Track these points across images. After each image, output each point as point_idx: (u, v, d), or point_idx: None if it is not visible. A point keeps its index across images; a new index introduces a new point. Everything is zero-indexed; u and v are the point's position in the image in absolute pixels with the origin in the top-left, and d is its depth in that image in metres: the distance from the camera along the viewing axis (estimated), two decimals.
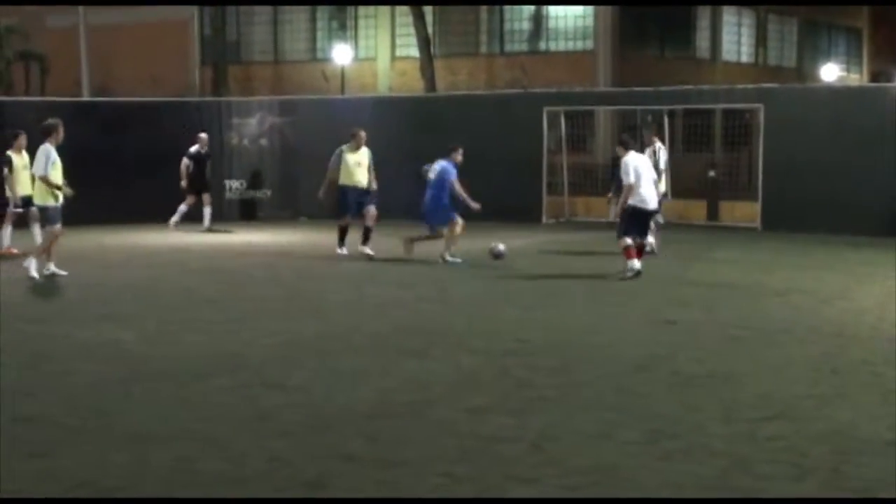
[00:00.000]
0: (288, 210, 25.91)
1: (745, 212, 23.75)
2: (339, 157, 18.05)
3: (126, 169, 24.27)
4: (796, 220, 22.17)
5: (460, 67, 36.79)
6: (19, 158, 17.24)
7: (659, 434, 7.24)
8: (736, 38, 41.74)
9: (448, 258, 16.91)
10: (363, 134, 18.18)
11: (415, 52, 35.65)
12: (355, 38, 39.18)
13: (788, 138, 22.47)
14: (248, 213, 26.02)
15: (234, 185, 26.33)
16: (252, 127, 26.53)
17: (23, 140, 17.13)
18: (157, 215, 23.13)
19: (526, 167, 24.34)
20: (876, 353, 9.98)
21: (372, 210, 17.87)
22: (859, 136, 21.74)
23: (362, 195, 17.92)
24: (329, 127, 26.02)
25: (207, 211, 23.15)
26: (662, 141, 15.12)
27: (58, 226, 15.02)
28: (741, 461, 6.67)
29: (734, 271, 16.07)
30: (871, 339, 10.73)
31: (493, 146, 24.71)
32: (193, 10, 41.07)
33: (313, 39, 40.36)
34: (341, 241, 18.16)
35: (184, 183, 22.99)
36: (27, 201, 16.68)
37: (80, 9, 35.74)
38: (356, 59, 38.12)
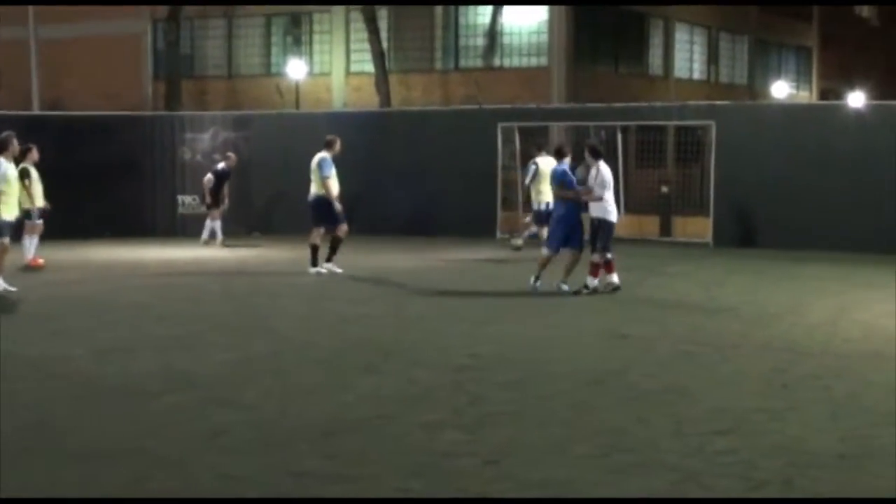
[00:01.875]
0: (241, 226, 25.78)
1: (698, 227, 23.93)
2: (331, 166, 17.20)
3: (78, 184, 24.06)
4: (748, 235, 22.41)
5: (415, 83, 36.80)
6: (34, 171, 17.97)
7: (612, 448, 7.26)
8: (688, 56, 42.17)
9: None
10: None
11: (370, 67, 35.64)
12: (310, 53, 39.10)
13: (740, 155, 22.70)
14: (200, 228, 25.89)
15: (186, 201, 26.16)
16: (205, 142, 26.41)
17: (35, 153, 17.94)
18: (110, 230, 22.94)
19: (480, 183, 24.39)
20: (826, 368, 10.08)
21: (345, 225, 17.48)
22: (809, 153, 22.01)
23: (333, 207, 17.33)
24: (283, 142, 26.07)
25: (218, 225, 23.23)
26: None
27: (6, 239, 14.90)
28: (693, 475, 6.70)
29: (687, 286, 16.18)
30: (822, 353, 10.83)
31: (447, 162, 24.80)
32: (147, 24, 40.83)
33: (268, 54, 40.22)
34: (317, 260, 17.44)
35: (208, 199, 23.30)
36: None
37: (31, 21, 35.41)
38: (311, 74, 38.03)
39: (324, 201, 17.07)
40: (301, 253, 21.31)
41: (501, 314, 13.51)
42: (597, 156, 15.16)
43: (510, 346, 11.22)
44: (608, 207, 15.00)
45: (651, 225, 24.80)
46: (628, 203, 24.51)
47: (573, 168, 15.73)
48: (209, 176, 23.29)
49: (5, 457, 7.06)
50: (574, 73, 35.37)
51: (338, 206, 17.03)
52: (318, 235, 17.44)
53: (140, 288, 16.14)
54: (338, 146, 17.48)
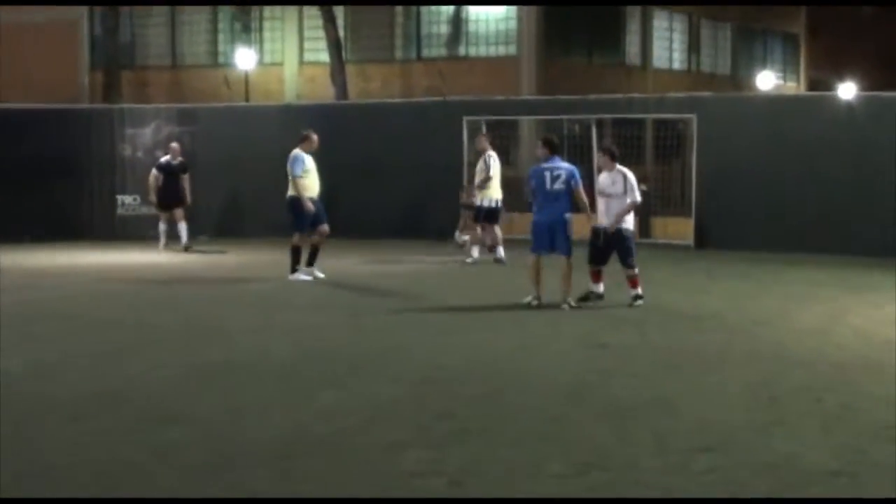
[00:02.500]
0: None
1: (678, 228, 24.06)
2: (304, 163, 17.07)
3: (5, 183, 23.87)
4: (732, 236, 22.52)
5: (374, 74, 36.86)
6: None
7: (590, 466, 7.27)
8: (667, 45, 42.39)
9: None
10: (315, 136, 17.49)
11: (325, 56, 35.58)
12: (260, 41, 39.03)
13: (723, 150, 22.84)
14: (142, 230, 25.72)
15: (126, 201, 26.02)
16: (147, 137, 26.28)
17: None
18: (40, 232, 22.76)
19: (444, 181, 24.37)
20: (817, 378, 10.14)
21: (326, 226, 17.42)
22: (797, 147, 22.17)
23: (318, 207, 17.26)
24: (232, 137, 25.99)
25: (183, 227, 22.98)
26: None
27: None
28: (675, 495, 6.72)
29: (668, 292, 16.24)
30: (813, 363, 10.90)
31: (409, 158, 24.82)
32: (83, 10, 40.53)
33: (214, 42, 40.13)
34: (297, 264, 17.29)
35: (152, 198, 23.00)
36: None
37: None
38: (261, 63, 37.96)
39: (298, 202, 16.96)
40: (253, 257, 21.33)
41: (470, 322, 13.52)
42: (614, 158, 14.93)
43: (480, 356, 11.22)
44: (629, 216, 14.84)
45: None
46: None
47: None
48: (154, 173, 23.12)
49: None
50: (545, 63, 35.51)
51: (309, 206, 16.92)
52: (299, 239, 17.30)
53: (76, 296, 16.02)
54: (314, 141, 17.37)
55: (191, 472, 7.19)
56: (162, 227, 23.15)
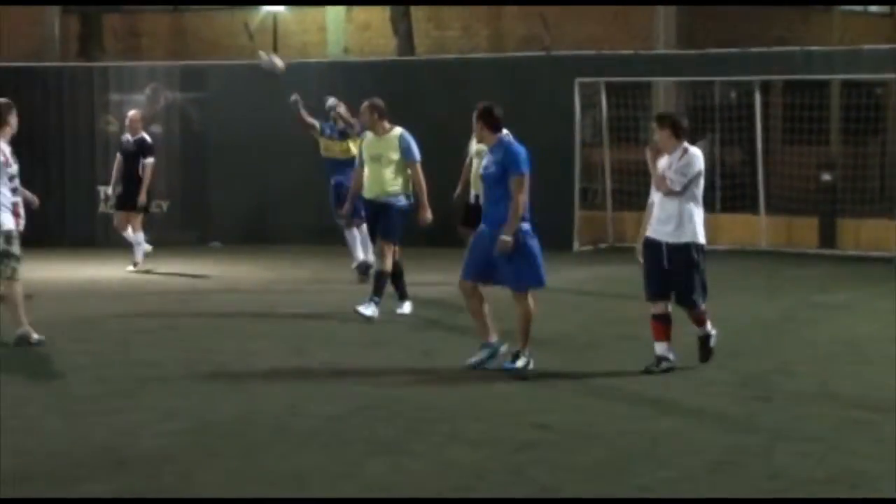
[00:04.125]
0: (192, 231, 25.94)
1: (876, 234, 23.84)
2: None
3: None
4: None
5: (450, 20, 37.17)
6: None
7: None
8: None
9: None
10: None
11: None
12: None
13: None
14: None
15: (110, 193, 26.31)
16: (140, 105, 26.57)
17: None
18: None
19: (549, 168, 24.33)
20: None
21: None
22: None
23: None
24: (254, 106, 26.15)
25: (136, 238, 22.29)
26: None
27: None
28: None
29: (862, 324, 16.05)
30: None
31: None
32: None
33: None
34: (381, 293, 16.54)
35: (110, 190, 23.26)
36: None
37: None
38: (294, 6, 38.25)
39: (408, 205, 16.78)
40: (284, 273, 21.44)
41: (580, 363, 13.61)
42: (680, 133, 13.59)
43: (598, 411, 11.29)
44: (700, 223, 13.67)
45: (806, 231, 24.75)
46: (771, 199, 24.52)
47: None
48: (119, 157, 22.57)
49: None
50: (688, 5, 35.29)
51: (428, 214, 16.83)
52: (389, 253, 16.63)
53: (48, 324, 16.22)
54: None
55: None
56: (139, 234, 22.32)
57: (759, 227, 24.97)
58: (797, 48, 26.98)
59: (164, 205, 26.45)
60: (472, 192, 19.27)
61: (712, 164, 24.76)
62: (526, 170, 13.94)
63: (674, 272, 13.20)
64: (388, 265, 16.43)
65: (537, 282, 13.59)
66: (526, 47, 32.28)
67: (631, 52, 27.84)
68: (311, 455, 9.84)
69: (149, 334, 15.66)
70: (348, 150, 19.24)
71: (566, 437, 10.35)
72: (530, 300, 13.46)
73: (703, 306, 13.32)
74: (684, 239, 13.07)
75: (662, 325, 13.29)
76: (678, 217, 13.13)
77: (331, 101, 19.87)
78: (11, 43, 36.75)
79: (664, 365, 13.14)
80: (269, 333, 15.68)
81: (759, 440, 10.23)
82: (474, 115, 14.34)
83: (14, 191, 15.06)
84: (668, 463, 9.55)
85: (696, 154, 13.37)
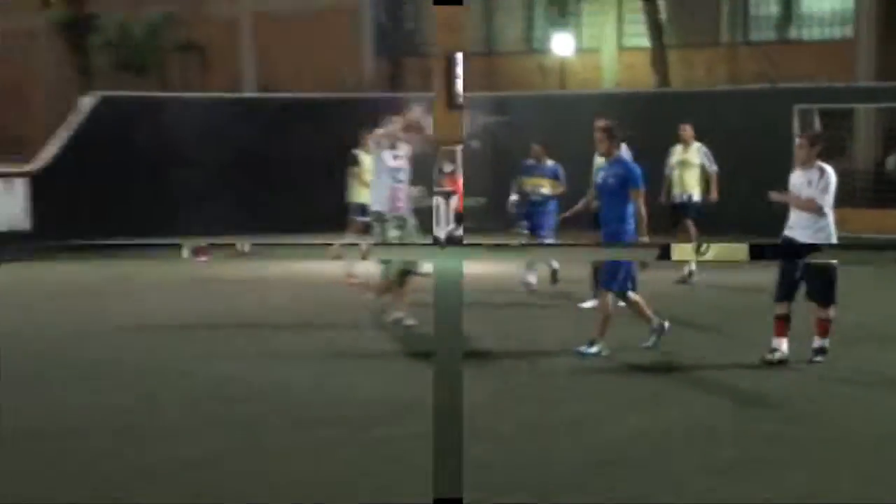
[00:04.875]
0: (500, 221, 27.97)
1: None
2: None
3: (289, 173, 27.32)
4: None
5: (697, 59, 37.88)
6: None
7: None
8: None
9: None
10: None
11: (645, 41, 37.26)
12: (578, 25, 40.47)
13: None
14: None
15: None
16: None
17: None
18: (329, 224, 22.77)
19: (772, 176, 25.11)
20: None
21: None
22: None
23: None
24: (544, 129, 27.69)
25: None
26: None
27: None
28: None
29: None
30: None
31: (734, 150, 25.14)
32: None
33: (529, 28, 41.93)
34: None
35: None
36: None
37: None
38: (578, 49, 39.41)
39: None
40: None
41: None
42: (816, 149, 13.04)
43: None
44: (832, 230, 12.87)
45: None
46: None
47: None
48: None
49: None
50: (886, 45, 35.92)
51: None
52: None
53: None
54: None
55: None
56: None
57: None
58: None
59: (482, 200, 27.79)
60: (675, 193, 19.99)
61: None
62: (643, 187, 13.41)
63: (810, 273, 12.74)
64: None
65: (607, 285, 13.36)
66: (756, 81, 32.91)
67: (841, 84, 28.76)
68: None
69: None
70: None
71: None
72: (609, 298, 13.28)
73: (832, 311, 12.83)
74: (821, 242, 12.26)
75: (784, 324, 12.93)
76: (815, 223, 12.72)
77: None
78: (335, 81, 39.06)
79: (777, 356, 12.79)
80: None
81: None
82: (598, 131, 13.59)
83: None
84: None
85: (831, 172, 12.80)
